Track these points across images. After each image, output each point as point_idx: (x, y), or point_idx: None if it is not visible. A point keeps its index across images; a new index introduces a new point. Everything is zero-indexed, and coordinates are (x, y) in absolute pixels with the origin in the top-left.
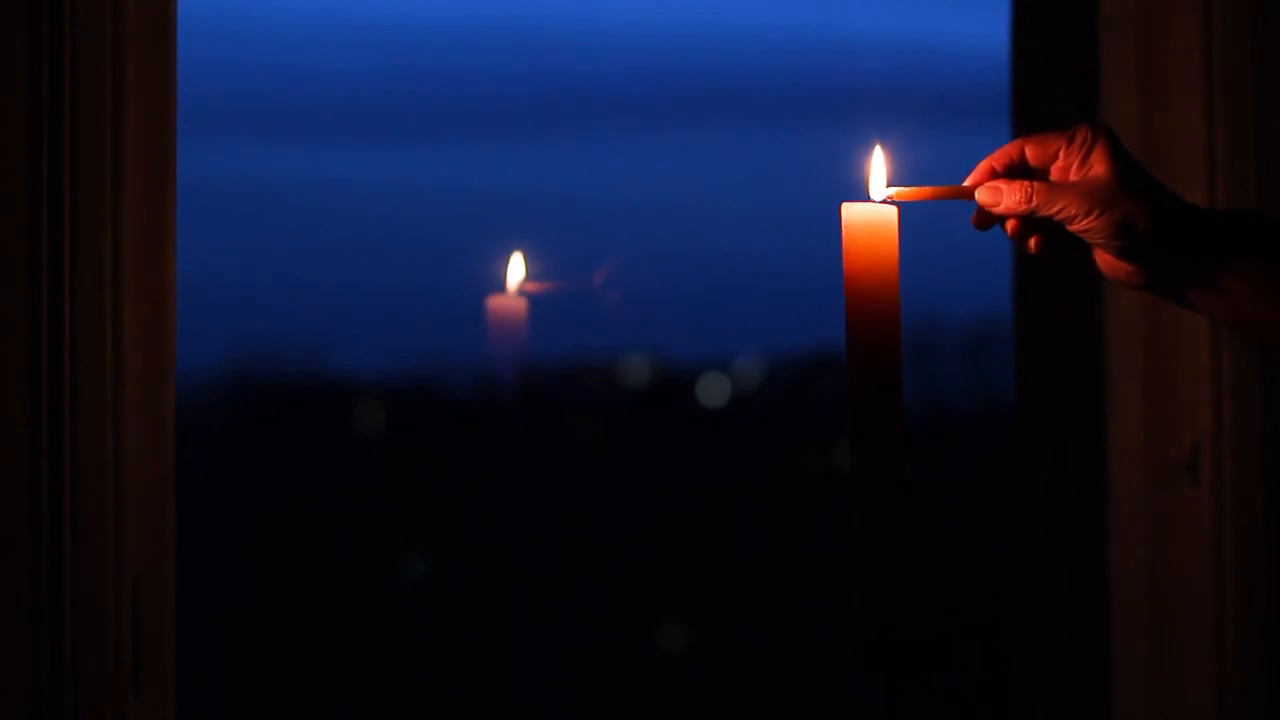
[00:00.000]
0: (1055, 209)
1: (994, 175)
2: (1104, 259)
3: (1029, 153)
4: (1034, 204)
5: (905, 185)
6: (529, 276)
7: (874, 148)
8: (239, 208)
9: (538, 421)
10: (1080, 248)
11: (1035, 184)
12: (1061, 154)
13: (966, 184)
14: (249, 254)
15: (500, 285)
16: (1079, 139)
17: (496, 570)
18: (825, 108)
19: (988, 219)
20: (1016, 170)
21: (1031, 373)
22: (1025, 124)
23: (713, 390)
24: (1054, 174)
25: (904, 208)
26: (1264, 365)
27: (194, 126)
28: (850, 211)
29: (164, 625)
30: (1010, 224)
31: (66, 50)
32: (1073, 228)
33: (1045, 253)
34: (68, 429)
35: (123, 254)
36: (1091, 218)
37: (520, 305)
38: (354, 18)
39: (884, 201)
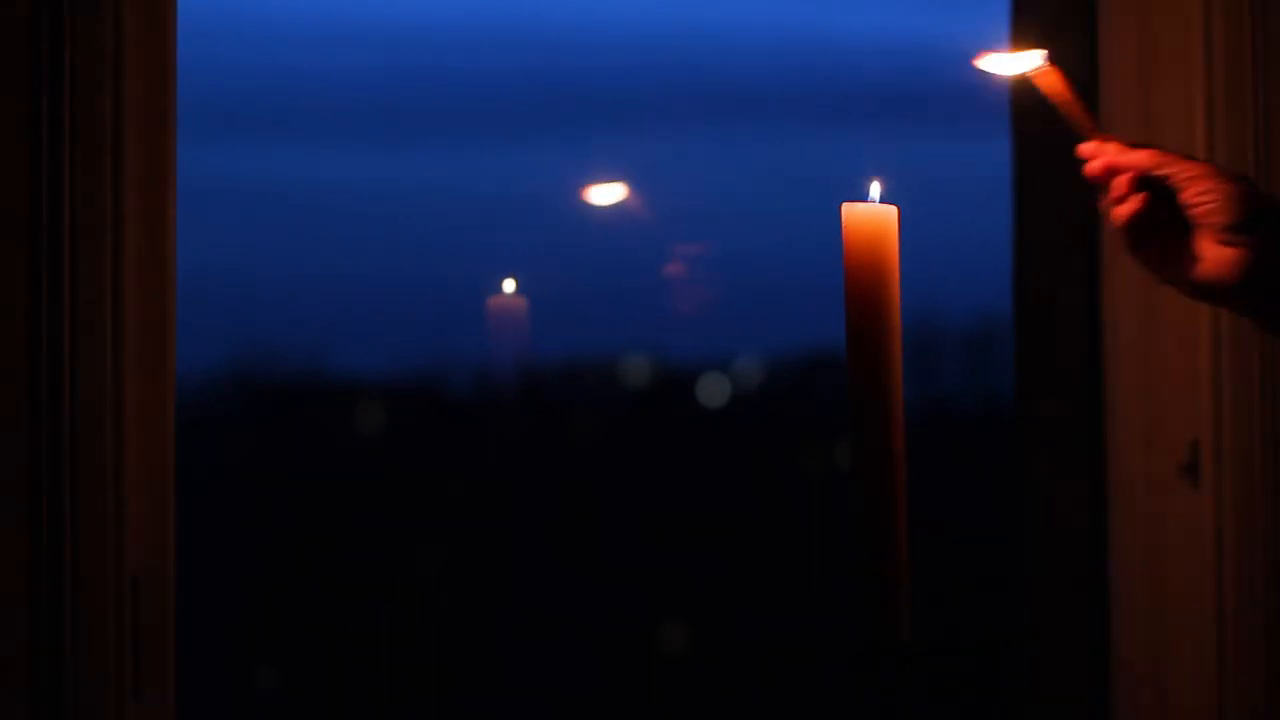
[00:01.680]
0: (1177, 168)
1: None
2: (1207, 245)
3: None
4: (1159, 159)
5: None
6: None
7: (875, 185)
8: (239, 207)
9: (538, 421)
10: (1178, 231)
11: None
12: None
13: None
14: (249, 254)
15: (499, 288)
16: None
17: (496, 570)
18: (825, 108)
19: (1107, 168)
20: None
21: (1031, 373)
22: (1025, 123)
23: (713, 390)
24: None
25: (903, 207)
26: (1264, 366)
27: (194, 126)
28: (850, 211)
29: (164, 625)
30: (1123, 178)
31: (66, 50)
32: (1189, 192)
33: (1140, 221)
34: (68, 429)
35: (123, 254)
36: (1213, 180)
37: (520, 305)
38: (354, 18)
39: (1032, 73)
